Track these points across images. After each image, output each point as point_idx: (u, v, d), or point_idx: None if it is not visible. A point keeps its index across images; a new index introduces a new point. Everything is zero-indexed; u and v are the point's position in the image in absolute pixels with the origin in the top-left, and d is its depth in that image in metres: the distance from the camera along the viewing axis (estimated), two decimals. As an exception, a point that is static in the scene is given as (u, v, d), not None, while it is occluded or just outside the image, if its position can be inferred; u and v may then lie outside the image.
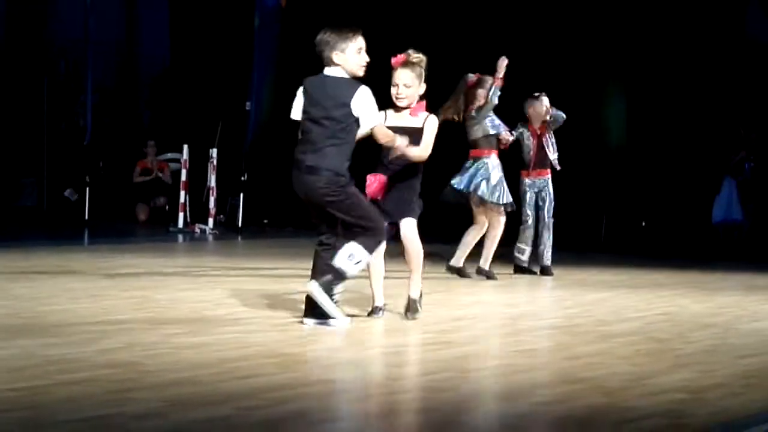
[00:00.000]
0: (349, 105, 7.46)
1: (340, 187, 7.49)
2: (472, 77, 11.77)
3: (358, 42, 7.60)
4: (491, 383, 5.92)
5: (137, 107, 22.64)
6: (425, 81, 8.05)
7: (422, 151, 7.97)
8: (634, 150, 17.70)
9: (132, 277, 10.51)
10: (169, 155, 20.38)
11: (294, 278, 10.89)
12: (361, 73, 7.64)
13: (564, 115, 12.21)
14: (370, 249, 7.55)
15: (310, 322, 7.53)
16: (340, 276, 7.45)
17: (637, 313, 9.19)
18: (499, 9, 18.12)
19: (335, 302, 7.50)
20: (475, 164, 11.65)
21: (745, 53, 17.28)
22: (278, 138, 19.63)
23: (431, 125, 8.06)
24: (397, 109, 8.06)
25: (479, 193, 11.56)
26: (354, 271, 7.52)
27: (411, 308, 8.09)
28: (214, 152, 18.32)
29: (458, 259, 11.77)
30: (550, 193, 12.27)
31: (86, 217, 18.55)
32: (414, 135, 7.91)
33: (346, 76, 7.58)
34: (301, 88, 7.72)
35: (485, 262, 11.80)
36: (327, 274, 7.46)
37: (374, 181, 7.97)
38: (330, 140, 7.50)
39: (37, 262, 11.66)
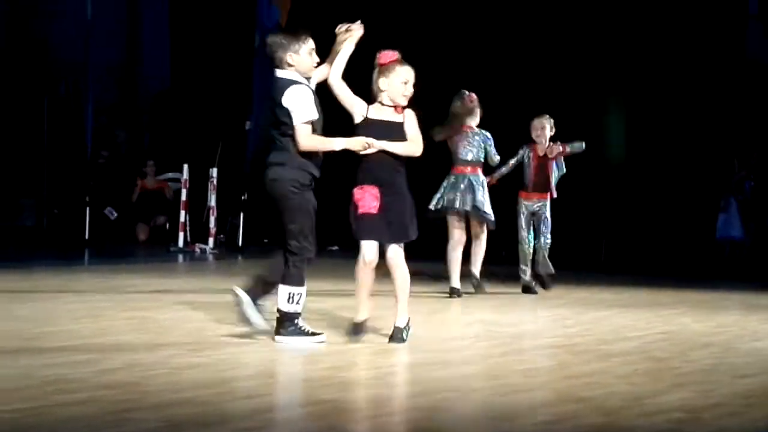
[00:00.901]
0: (281, 102, 7.65)
1: (290, 188, 7.70)
2: (469, 95, 11.80)
3: (310, 44, 7.84)
4: (491, 403, 5.92)
5: (138, 127, 22.65)
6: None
7: (414, 146, 7.85)
8: (633, 168, 17.71)
9: (132, 298, 10.51)
10: (170, 175, 20.39)
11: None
12: (311, 74, 7.84)
13: (583, 146, 12.20)
14: (300, 280, 7.69)
15: (282, 339, 7.65)
16: (292, 317, 7.63)
17: (636, 332, 9.18)
18: (499, 24, 18.14)
19: (304, 330, 7.68)
20: (467, 179, 11.71)
21: (745, 72, 17.31)
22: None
23: (413, 116, 7.91)
24: (381, 105, 7.88)
25: (476, 204, 11.62)
26: (300, 307, 7.66)
27: (396, 337, 7.86)
28: (214, 172, 18.33)
29: (455, 280, 11.78)
30: (547, 218, 12.23)
31: (86, 237, 18.56)
32: (396, 129, 7.81)
33: (298, 77, 7.72)
34: None
35: (477, 269, 11.91)
36: (283, 322, 7.64)
37: (364, 195, 7.81)
38: (278, 139, 7.70)
39: (37, 282, 11.67)
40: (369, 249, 7.78)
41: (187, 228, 18.15)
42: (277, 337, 7.63)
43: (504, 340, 8.51)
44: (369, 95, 7.89)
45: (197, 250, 17.67)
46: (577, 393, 6.18)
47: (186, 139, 20.86)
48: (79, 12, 20.29)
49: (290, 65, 7.73)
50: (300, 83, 7.72)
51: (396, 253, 7.87)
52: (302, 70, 7.76)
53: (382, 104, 7.83)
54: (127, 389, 5.77)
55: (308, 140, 7.67)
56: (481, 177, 11.83)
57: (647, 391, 6.31)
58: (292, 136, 7.64)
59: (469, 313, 10.31)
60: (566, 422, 5.46)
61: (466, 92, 11.86)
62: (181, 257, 17.13)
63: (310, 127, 7.68)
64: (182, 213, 18.04)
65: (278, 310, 7.66)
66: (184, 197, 18.10)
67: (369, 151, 7.71)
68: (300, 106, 7.63)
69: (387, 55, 7.82)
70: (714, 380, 6.85)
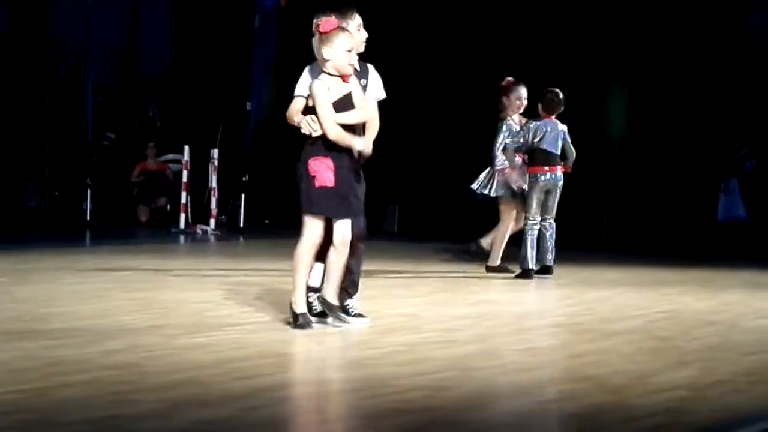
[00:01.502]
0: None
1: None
2: (508, 80, 11.92)
3: (357, 19, 7.69)
4: (496, 381, 5.90)
5: (139, 109, 22.63)
6: None
7: (364, 112, 7.56)
8: (636, 147, 17.68)
9: (133, 279, 10.50)
10: (170, 156, 20.39)
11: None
12: (361, 49, 7.69)
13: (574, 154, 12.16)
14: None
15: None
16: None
17: (640, 311, 9.17)
18: (502, 6, 18.10)
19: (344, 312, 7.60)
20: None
21: (747, 49, 17.26)
22: (279, 138, 19.67)
23: (356, 82, 7.60)
24: (329, 76, 7.49)
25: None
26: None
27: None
28: (215, 153, 18.31)
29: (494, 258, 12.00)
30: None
31: (88, 218, 18.56)
32: (348, 100, 7.49)
33: (323, 71, 7.56)
34: None
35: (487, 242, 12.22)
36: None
37: (323, 166, 7.43)
38: None
39: (39, 264, 11.66)
40: (347, 228, 7.49)
41: (189, 209, 18.14)
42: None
43: (508, 320, 8.50)
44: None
45: (198, 231, 17.66)
46: (581, 371, 6.17)
47: (187, 121, 20.85)
48: (80, -7, 20.25)
49: (325, 61, 7.48)
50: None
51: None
52: (334, 65, 7.50)
53: (330, 75, 7.45)
54: (128, 370, 5.76)
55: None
56: None
57: (651, 370, 6.30)
58: None
59: (473, 293, 10.29)
60: (570, 400, 5.44)
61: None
62: (182, 238, 17.13)
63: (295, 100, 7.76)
64: (183, 194, 18.04)
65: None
66: (185, 178, 18.09)
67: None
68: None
69: (329, 22, 7.41)
70: (718, 358, 6.84)
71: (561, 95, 11.88)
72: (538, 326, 8.34)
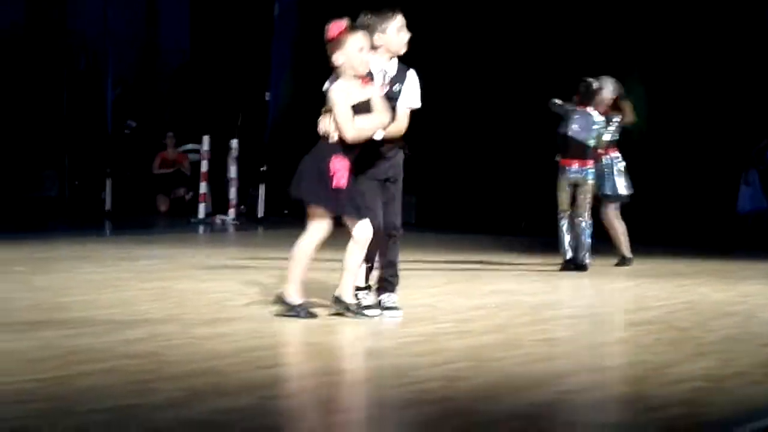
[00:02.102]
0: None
1: None
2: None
3: (398, 20, 7.55)
4: (512, 372, 5.90)
5: (158, 99, 22.68)
6: None
7: (383, 116, 7.43)
8: (655, 139, 17.63)
9: (153, 269, 10.53)
10: (189, 146, 20.43)
11: (314, 269, 10.88)
12: (402, 51, 7.57)
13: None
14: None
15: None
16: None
17: (658, 302, 9.15)
18: (523, 4, 18.07)
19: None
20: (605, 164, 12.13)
21: (767, 40, 17.18)
22: (298, 128, 19.66)
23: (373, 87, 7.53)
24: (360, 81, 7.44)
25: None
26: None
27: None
28: (234, 143, 18.34)
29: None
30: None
31: (108, 208, 18.62)
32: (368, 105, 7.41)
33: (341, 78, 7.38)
34: None
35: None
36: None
37: (343, 167, 7.38)
38: None
39: (58, 253, 11.71)
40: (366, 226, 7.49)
41: (208, 199, 18.18)
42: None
43: (525, 310, 8.49)
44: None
45: (218, 221, 17.70)
46: (600, 362, 6.17)
47: (206, 111, 20.88)
48: (98, -16, 20.29)
49: (377, 46, 7.43)
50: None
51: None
52: (392, 50, 7.52)
53: (347, 80, 7.36)
54: (147, 359, 5.78)
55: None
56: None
57: (669, 361, 6.29)
58: None
59: (490, 283, 10.28)
60: (589, 392, 5.44)
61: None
62: (201, 228, 17.17)
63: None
64: (203, 184, 18.07)
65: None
66: (204, 168, 18.12)
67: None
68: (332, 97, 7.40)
69: (336, 26, 7.33)
70: (736, 349, 6.83)
71: (595, 85, 11.82)
72: (555, 317, 8.32)
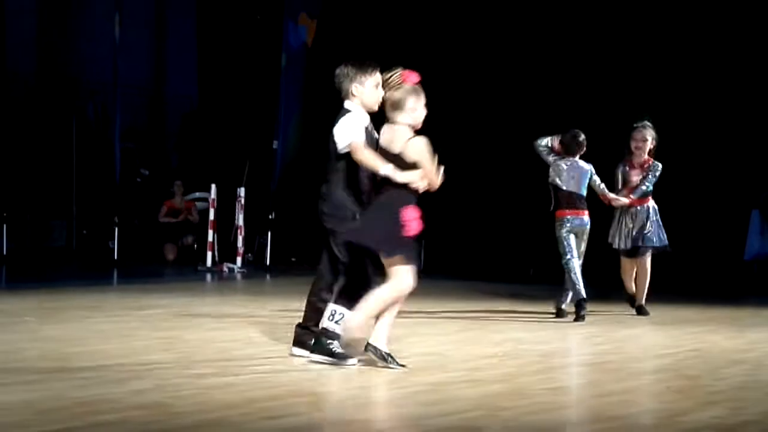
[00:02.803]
0: (333, 133, 7.60)
1: (340, 219, 7.61)
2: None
3: (376, 77, 7.68)
4: (523, 421, 5.89)
5: (165, 148, 22.75)
6: None
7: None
8: (661, 184, 17.63)
9: (161, 318, 10.52)
10: (197, 194, 20.46)
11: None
12: (376, 107, 7.70)
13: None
14: (350, 305, 7.49)
15: (297, 351, 7.71)
16: (331, 336, 7.54)
17: (667, 349, 9.14)
18: (528, 41, 18.15)
19: (336, 352, 7.54)
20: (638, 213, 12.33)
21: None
22: (305, 176, 19.72)
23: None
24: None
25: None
26: (338, 328, 7.51)
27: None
28: (241, 191, 18.37)
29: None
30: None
31: (115, 257, 18.63)
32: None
33: (351, 108, 7.63)
34: None
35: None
36: (319, 338, 7.57)
37: (415, 218, 7.52)
38: (331, 170, 7.70)
39: (66, 303, 11.70)
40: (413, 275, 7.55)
41: (215, 247, 18.19)
42: (293, 350, 7.68)
43: (534, 359, 8.48)
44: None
45: (225, 269, 17.70)
46: (609, 411, 6.15)
47: (214, 159, 20.94)
48: (107, 33, 20.37)
49: (354, 96, 7.65)
50: (348, 113, 7.63)
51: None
52: (366, 104, 7.65)
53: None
54: (156, 410, 5.77)
55: (359, 154, 7.45)
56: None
57: (679, 409, 6.27)
58: (336, 169, 7.62)
59: (499, 332, 10.27)
60: (598, 441, 5.43)
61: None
62: (209, 277, 17.17)
63: (357, 143, 7.48)
64: (210, 232, 18.09)
65: (321, 328, 7.58)
66: (212, 217, 18.15)
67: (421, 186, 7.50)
68: (342, 130, 7.53)
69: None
70: (746, 397, 6.81)
71: (581, 136, 11.80)
72: (564, 365, 8.31)
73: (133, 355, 7.87)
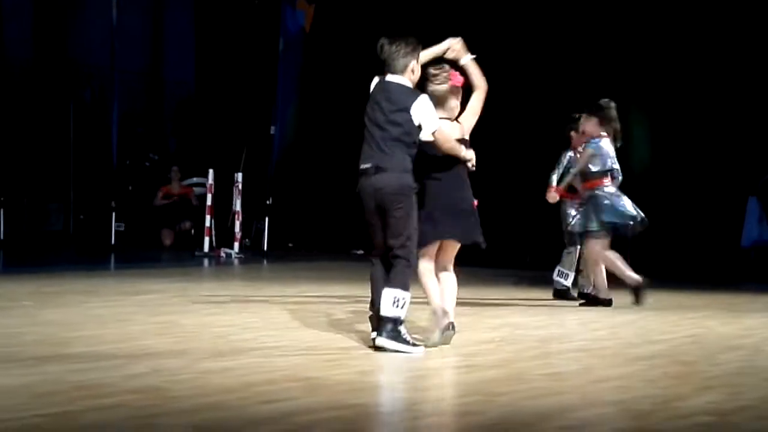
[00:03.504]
0: (410, 111, 7.57)
1: (404, 194, 7.59)
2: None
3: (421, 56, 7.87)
4: (519, 407, 5.89)
5: (163, 133, 22.74)
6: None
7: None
8: (658, 172, 17.65)
9: (158, 302, 10.52)
10: (195, 180, 20.47)
11: (320, 302, 10.90)
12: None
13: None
14: (407, 285, 7.55)
15: (381, 341, 7.54)
16: (395, 321, 7.48)
17: (663, 335, 9.15)
18: (523, 33, 18.14)
19: (406, 340, 7.52)
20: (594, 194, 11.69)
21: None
22: (303, 161, 19.73)
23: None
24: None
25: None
26: (403, 313, 7.50)
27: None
28: (239, 176, 18.37)
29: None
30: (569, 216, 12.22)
31: (112, 242, 18.64)
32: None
33: (409, 85, 7.70)
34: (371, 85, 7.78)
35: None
36: (385, 325, 7.49)
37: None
38: (394, 143, 7.59)
39: (63, 288, 11.70)
40: None
41: (213, 233, 18.20)
42: (378, 340, 7.51)
43: (531, 344, 8.49)
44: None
45: (222, 254, 17.72)
46: (605, 397, 6.16)
47: (211, 144, 20.94)
48: (104, 18, 20.36)
49: (412, 73, 7.71)
50: (421, 93, 7.75)
51: None
52: (414, 82, 7.77)
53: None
54: (153, 394, 5.77)
55: (447, 143, 7.82)
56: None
57: (675, 395, 6.28)
58: (405, 143, 7.61)
59: (496, 317, 10.28)
60: (594, 426, 5.43)
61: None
62: (206, 262, 17.18)
63: (442, 129, 7.78)
64: (207, 218, 18.10)
65: (381, 315, 7.52)
66: (209, 202, 18.15)
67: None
68: (431, 116, 7.66)
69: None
70: (742, 383, 6.82)
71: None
72: (561, 351, 8.32)
73: (130, 339, 7.87)
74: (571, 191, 12.04)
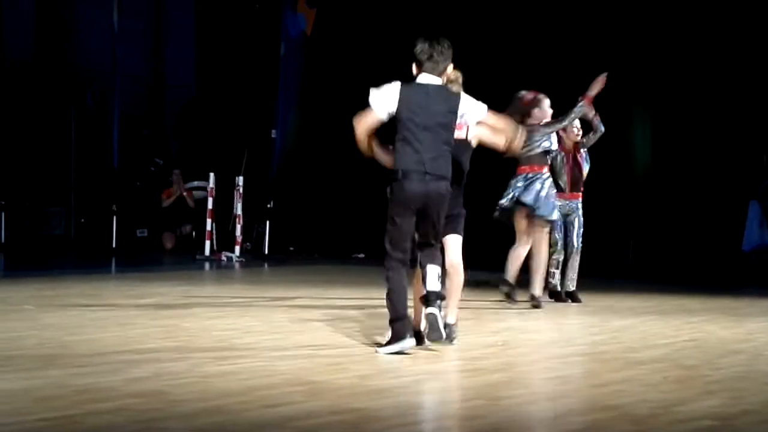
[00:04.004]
0: (456, 112, 7.74)
1: (450, 197, 7.86)
2: (527, 95, 11.73)
3: None
4: (520, 411, 5.90)
5: (164, 137, 22.75)
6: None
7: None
8: (660, 175, 17.65)
9: (159, 306, 10.53)
10: (196, 183, 20.48)
11: (321, 306, 10.90)
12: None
13: (602, 128, 12.20)
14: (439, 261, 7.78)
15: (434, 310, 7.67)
16: (440, 296, 7.66)
17: (664, 339, 9.15)
18: (524, 34, 18.13)
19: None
20: (536, 179, 11.52)
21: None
22: (304, 165, 19.73)
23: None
24: None
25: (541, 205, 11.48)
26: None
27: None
28: (240, 180, 18.37)
29: (512, 277, 11.72)
30: (579, 218, 12.22)
31: (113, 245, 18.64)
32: None
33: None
34: (395, 88, 7.72)
35: (538, 288, 11.69)
36: (435, 299, 7.62)
37: None
38: (445, 147, 7.69)
39: (65, 292, 11.70)
40: None
41: (214, 236, 18.20)
42: (429, 309, 7.61)
43: (532, 348, 8.49)
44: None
45: (223, 258, 17.72)
46: (606, 401, 6.16)
47: (212, 148, 20.95)
48: (106, 22, 20.38)
49: (443, 75, 7.82)
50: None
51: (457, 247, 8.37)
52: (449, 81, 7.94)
53: None
54: (155, 398, 5.77)
55: (503, 122, 8.12)
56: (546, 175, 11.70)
57: (677, 399, 6.28)
58: (450, 146, 7.74)
59: (497, 321, 10.29)
60: (594, 431, 5.43)
61: (524, 92, 11.81)
62: (207, 265, 17.18)
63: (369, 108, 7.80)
64: (208, 221, 18.10)
65: (430, 290, 7.64)
66: (210, 205, 18.15)
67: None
68: (476, 103, 7.89)
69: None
70: (744, 387, 6.82)
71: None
72: (562, 355, 8.31)
73: (131, 343, 7.88)
74: (558, 190, 12.01)
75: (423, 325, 7.86)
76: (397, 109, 7.62)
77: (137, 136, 21.78)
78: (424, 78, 7.72)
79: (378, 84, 7.80)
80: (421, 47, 7.73)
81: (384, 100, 7.65)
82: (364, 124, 7.76)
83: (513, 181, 11.62)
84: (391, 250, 7.68)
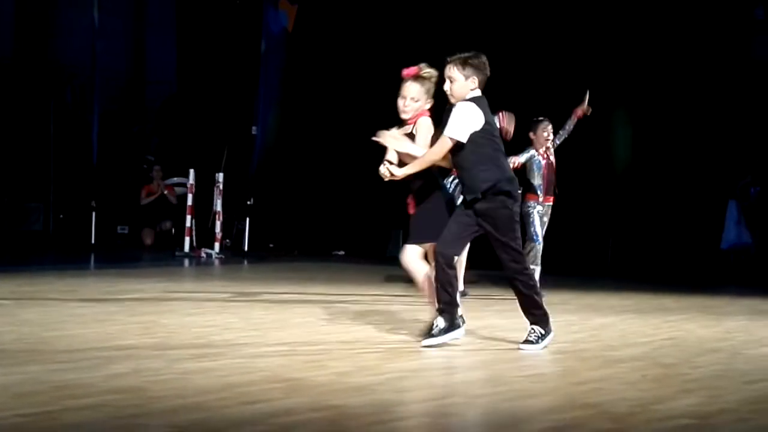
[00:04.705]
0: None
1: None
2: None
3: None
4: (497, 409, 5.91)
5: (144, 133, 22.72)
6: (433, 97, 8.09)
7: (416, 148, 8.00)
8: (639, 174, 17.71)
9: (138, 302, 10.51)
10: (175, 180, 20.45)
11: (300, 303, 10.90)
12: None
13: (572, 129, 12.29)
14: None
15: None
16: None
17: (643, 338, 9.17)
18: (506, 34, 18.15)
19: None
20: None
21: (751, 75, 17.29)
22: (284, 162, 19.71)
23: (423, 124, 8.09)
24: (402, 122, 8.14)
25: None
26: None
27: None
28: (220, 177, 18.36)
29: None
30: (547, 220, 12.29)
31: (92, 241, 18.60)
32: (411, 140, 8.07)
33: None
34: (476, 108, 7.79)
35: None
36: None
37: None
38: None
39: (43, 287, 11.67)
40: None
41: (193, 233, 18.18)
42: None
43: (510, 346, 8.50)
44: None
45: (203, 254, 17.70)
46: (584, 399, 6.17)
47: (192, 144, 20.92)
48: (86, 18, 20.32)
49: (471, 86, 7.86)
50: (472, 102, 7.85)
51: (407, 253, 8.24)
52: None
53: (402, 123, 8.17)
54: (134, 394, 5.77)
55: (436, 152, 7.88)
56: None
57: (655, 397, 6.30)
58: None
59: (475, 318, 10.28)
60: (573, 428, 5.45)
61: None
62: (186, 262, 17.15)
63: (449, 143, 7.77)
64: (188, 218, 18.08)
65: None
66: (190, 202, 18.13)
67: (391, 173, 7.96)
68: (454, 120, 7.79)
69: (407, 71, 8.05)
70: (722, 386, 6.84)
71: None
72: (540, 353, 8.32)
73: (110, 339, 7.86)
74: (531, 192, 12.08)
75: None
76: (484, 124, 7.76)
77: (121, 133, 21.75)
78: (479, 90, 7.84)
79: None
80: (485, 61, 7.87)
81: (471, 126, 7.76)
82: (442, 153, 7.84)
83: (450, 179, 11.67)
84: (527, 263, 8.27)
